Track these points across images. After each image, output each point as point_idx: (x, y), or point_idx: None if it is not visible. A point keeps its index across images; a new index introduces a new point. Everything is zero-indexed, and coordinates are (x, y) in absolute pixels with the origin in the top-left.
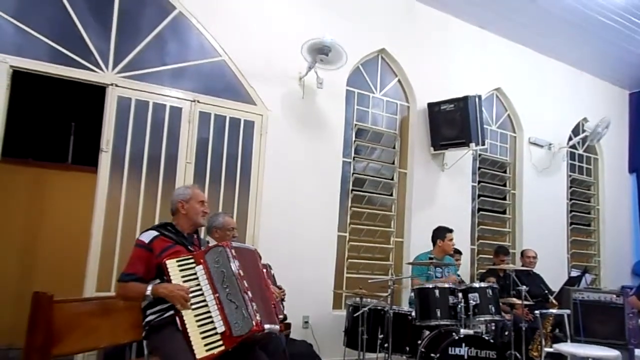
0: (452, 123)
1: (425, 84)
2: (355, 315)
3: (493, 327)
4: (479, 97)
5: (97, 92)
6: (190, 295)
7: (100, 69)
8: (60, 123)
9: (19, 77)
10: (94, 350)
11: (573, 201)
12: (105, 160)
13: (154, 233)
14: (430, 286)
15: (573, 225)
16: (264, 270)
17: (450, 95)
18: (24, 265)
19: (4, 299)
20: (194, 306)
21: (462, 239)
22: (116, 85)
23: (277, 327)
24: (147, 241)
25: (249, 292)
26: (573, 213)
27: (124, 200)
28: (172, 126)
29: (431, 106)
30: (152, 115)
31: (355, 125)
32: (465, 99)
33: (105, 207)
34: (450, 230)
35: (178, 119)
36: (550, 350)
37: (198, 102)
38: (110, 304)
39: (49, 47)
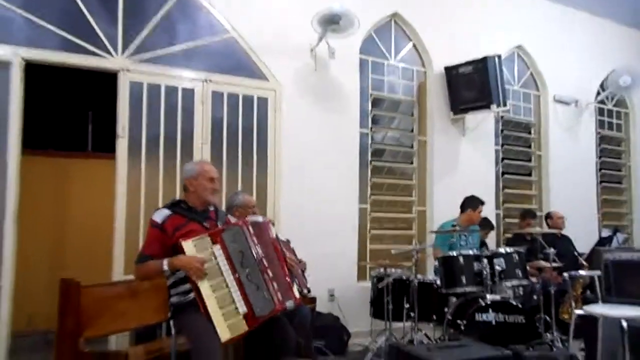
0: (472, 85)
1: (442, 46)
2: (380, 286)
3: (521, 292)
4: (499, 56)
5: (111, 79)
6: (210, 275)
7: (111, 54)
8: (77, 112)
9: (35, 70)
10: (123, 332)
11: (603, 159)
12: (122, 146)
13: (167, 212)
14: (454, 254)
15: (603, 184)
16: (279, 242)
17: (469, 57)
18: (54, 253)
19: (39, 286)
20: (213, 287)
21: (486, 205)
22: (127, 70)
23: (293, 302)
24: (159, 221)
25: (269, 271)
26: (603, 171)
27: (144, 184)
28: (185, 108)
29: (449, 70)
30: (165, 98)
31: (371, 94)
32: (484, 60)
33: (126, 191)
34: (483, 203)
35: (191, 100)
36: (581, 312)
37: (210, 81)
38: (137, 287)
39: (58, 36)
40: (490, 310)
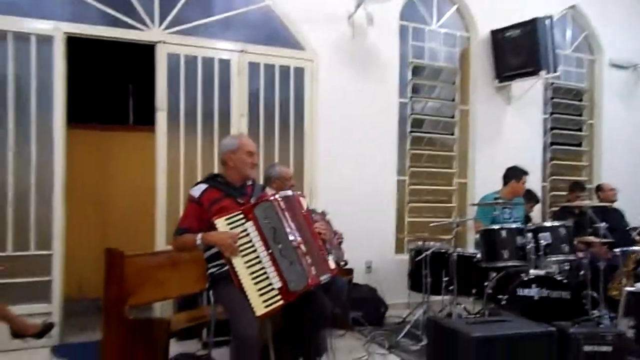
0: (519, 50)
1: (488, 9)
2: (417, 259)
3: (567, 267)
4: (550, 18)
5: (150, 52)
6: (243, 251)
7: (148, 27)
8: (119, 86)
9: (77, 45)
10: (165, 300)
11: None
12: (161, 118)
13: (204, 186)
14: (496, 227)
15: None
16: (310, 214)
17: (517, 19)
18: (101, 222)
19: (89, 255)
20: (247, 264)
21: (532, 177)
22: (164, 42)
23: (328, 275)
24: (196, 195)
25: (302, 246)
26: None
27: (183, 156)
28: (222, 79)
29: (495, 34)
30: (202, 70)
31: (411, 62)
32: (533, 22)
33: (166, 164)
34: (527, 173)
35: (227, 72)
36: (632, 289)
37: (246, 52)
38: (177, 257)
39: (98, 10)
40: (533, 285)
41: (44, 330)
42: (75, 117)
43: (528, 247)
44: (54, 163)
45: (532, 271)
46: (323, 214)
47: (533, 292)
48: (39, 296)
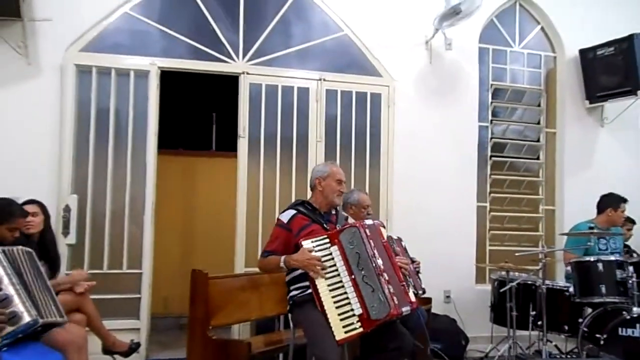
0: (613, 69)
1: (576, 27)
2: (501, 290)
3: None
4: None
5: (232, 82)
6: (327, 275)
7: (232, 59)
8: (203, 114)
9: (166, 77)
10: (245, 322)
11: None
12: (243, 145)
13: (292, 212)
14: (592, 259)
15: None
16: (390, 244)
17: (609, 36)
18: (185, 242)
19: (173, 274)
20: (330, 287)
21: (632, 205)
22: (247, 73)
23: (409, 307)
24: (286, 221)
25: (385, 275)
26: None
27: (263, 181)
28: (301, 107)
29: (584, 53)
30: (281, 98)
31: (492, 85)
32: (629, 38)
33: (246, 189)
34: (625, 201)
35: (306, 99)
36: None
37: (324, 80)
38: (258, 280)
39: (188, 45)
40: (638, 325)
41: (131, 350)
42: (164, 143)
43: (630, 282)
44: (145, 187)
45: (635, 309)
46: (399, 239)
47: (638, 332)
48: (128, 312)
